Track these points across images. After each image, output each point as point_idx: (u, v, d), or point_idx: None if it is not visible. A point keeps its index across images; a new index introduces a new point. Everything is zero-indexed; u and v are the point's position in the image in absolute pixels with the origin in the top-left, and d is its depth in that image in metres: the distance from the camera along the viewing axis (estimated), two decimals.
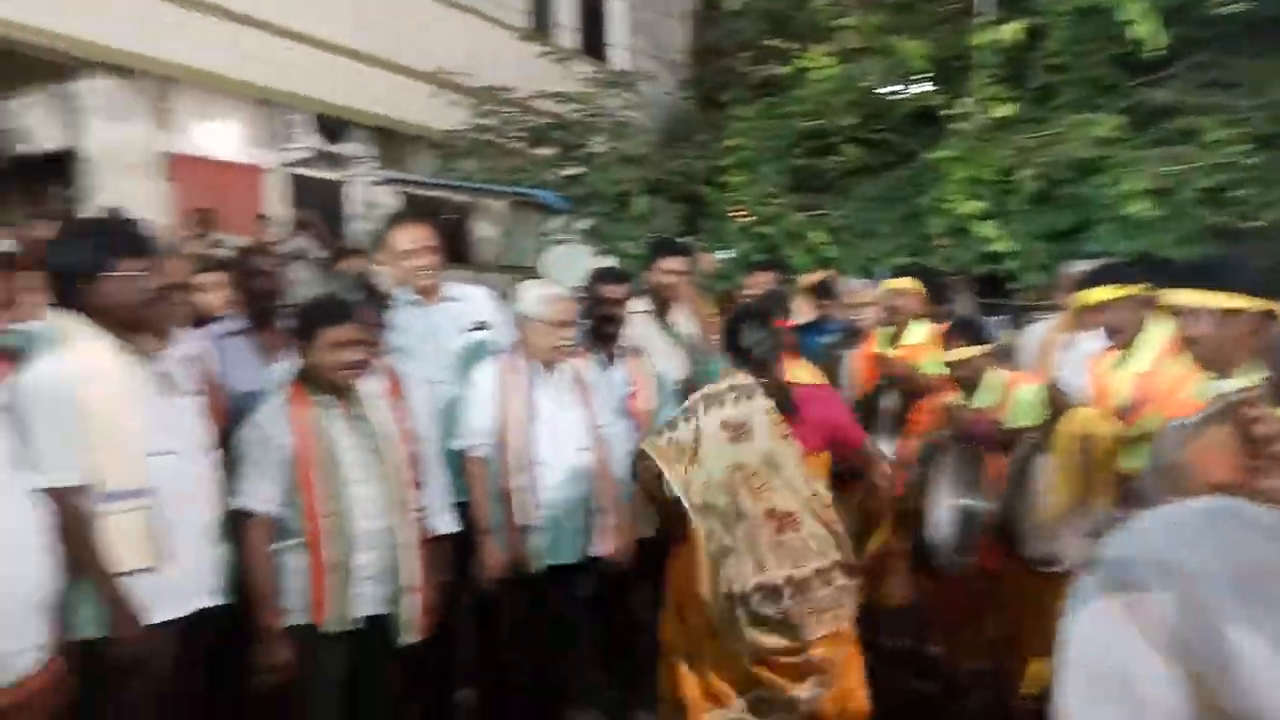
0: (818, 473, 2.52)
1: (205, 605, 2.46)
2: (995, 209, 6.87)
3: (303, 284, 5.04)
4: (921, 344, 4.01)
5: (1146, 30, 6.25)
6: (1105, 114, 6.71)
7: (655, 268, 3.96)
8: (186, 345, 2.74)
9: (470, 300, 3.53)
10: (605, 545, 3.15)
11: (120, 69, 8.82)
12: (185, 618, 2.41)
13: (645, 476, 2.67)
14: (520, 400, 3.09)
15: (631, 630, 3.42)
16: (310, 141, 10.31)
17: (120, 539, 2.27)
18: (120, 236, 2.48)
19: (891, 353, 4.04)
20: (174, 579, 2.36)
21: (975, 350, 3.30)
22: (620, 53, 14.05)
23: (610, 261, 7.82)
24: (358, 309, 2.74)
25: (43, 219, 6.58)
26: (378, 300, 3.01)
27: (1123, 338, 3.09)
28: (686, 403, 2.73)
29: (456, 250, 9.63)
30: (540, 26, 12.87)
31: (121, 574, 2.27)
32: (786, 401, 2.61)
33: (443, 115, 10.33)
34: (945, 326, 3.68)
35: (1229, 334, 2.14)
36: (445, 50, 10.61)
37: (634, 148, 9.76)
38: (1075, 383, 3.33)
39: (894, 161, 7.87)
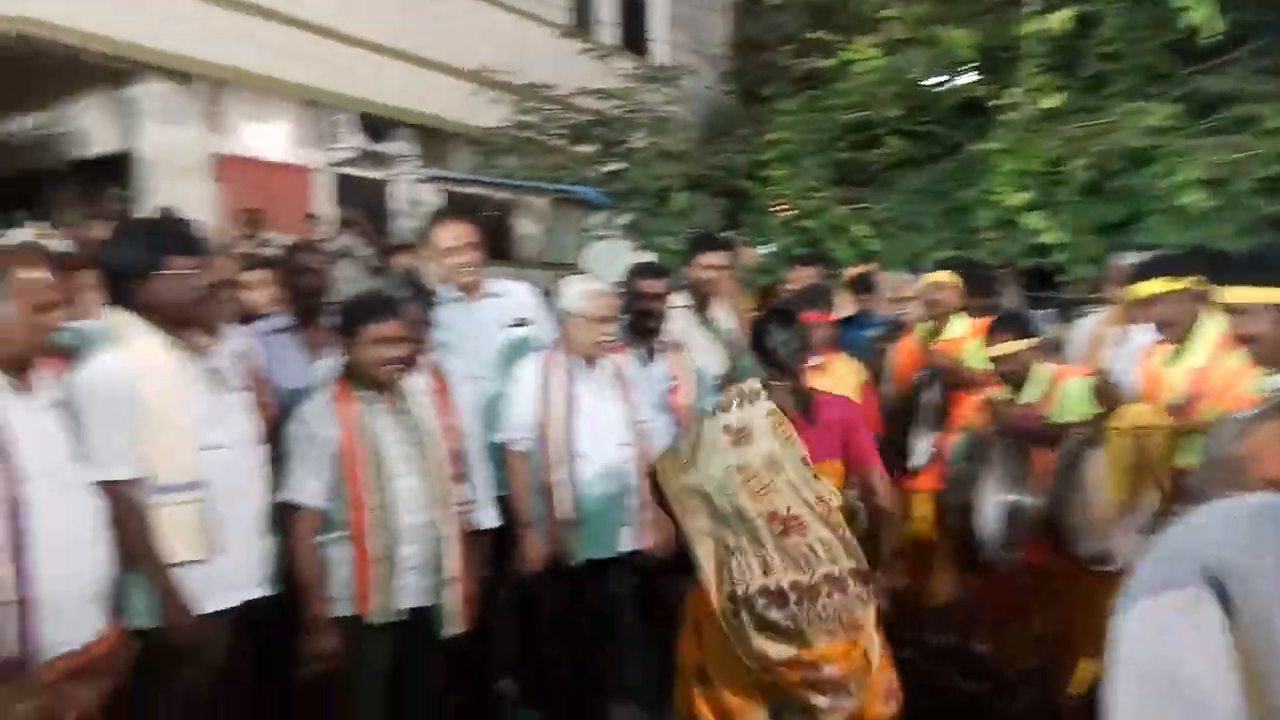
0: (829, 477, 2.47)
1: (254, 596, 2.52)
2: (1043, 200, 6.73)
3: (348, 281, 5.12)
4: (962, 338, 3.97)
5: (1202, 16, 6.07)
6: (1158, 102, 6.54)
7: (695, 263, 3.95)
8: (234, 342, 2.80)
9: (512, 296, 3.56)
10: (645, 539, 3.16)
11: (174, 73, 9.03)
12: (235, 608, 2.46)
13: (654, 493, 2.68)
14: (561, 395, 3.11)
15: (670, 624, 3.42)
16: (355, 141, 10.46)
17: (173, 531, 2.33)
18: (171, 236, 2.55)
19: (934, 346, 3.99)
20: (224, 570, 2.41)
21: (1021, 344, 3.24)
22: (661, 47, 14.03)
23: (650, 257, 7.83)
24: (402, 305, 2.77)
25: (99, 220, 6.77)
26: (423, 297, 3.04)
27: (1175, 332, 3.03)
28: (690, 419, 2.75)
29: (499, 247, 9.72)
30: (581, 23, 12.91)
31: (174, 565, 2.33)
32: (805, 404, 2.59)
33: (484, 113, 10.42)
34: (986, 320, 3.63)
35: None
36: (487, 48, 10.69)
37: (675, 143, 9.74)
38: (1126, 377, 3.27)
39: (939, 154, 7.74)
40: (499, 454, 3.16)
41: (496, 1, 11.40)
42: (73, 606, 2.03)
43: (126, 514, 2.26)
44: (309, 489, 2.57)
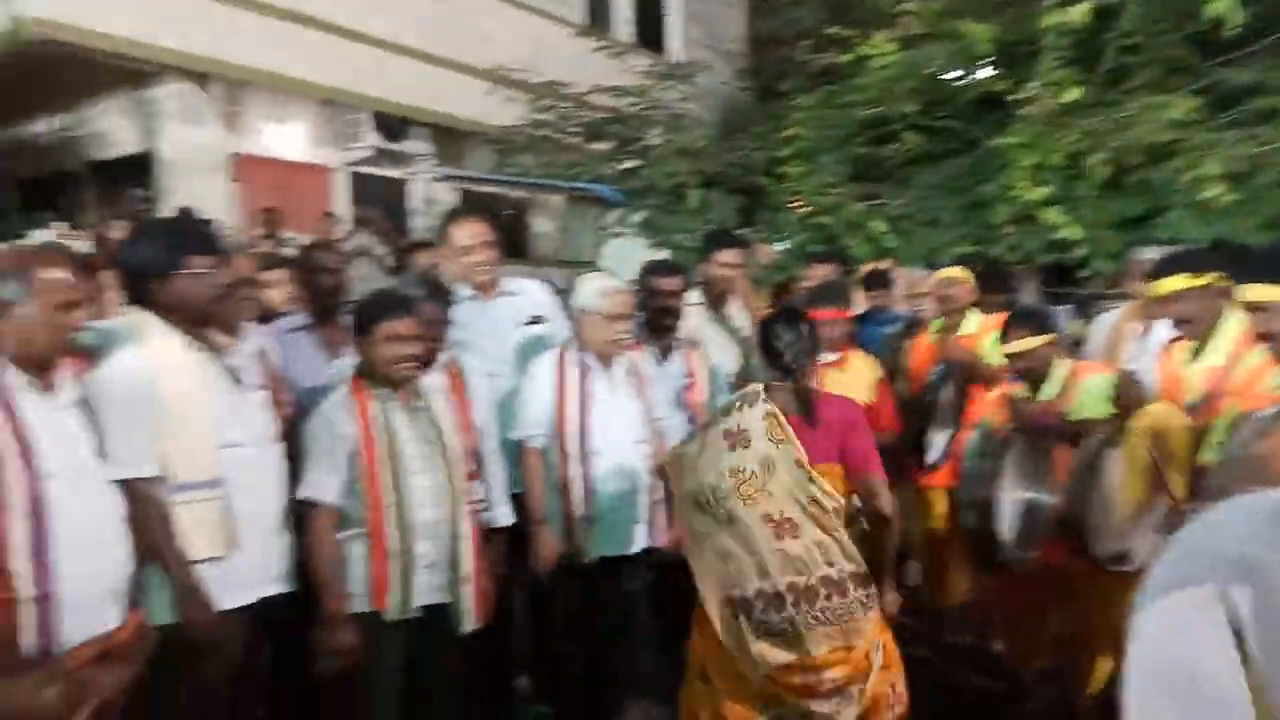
0: (830, 480, 2.42)
1: (272, 593, 2.54)
2: (1062, 196, 6.66)
3: (364, 280, 5.15)
4: (975, 334, 3.95)
5: (1223, 8, 5.99)
6: (1179, 96, 6.47)
7: (711, 260, 3.95)
8: (253, 340, 2.82)
9: (527, 294, 3.57)
10: (659, 536, 3.16)
11: (193, 74, 9.10)
12: (253, 605, 2.49)
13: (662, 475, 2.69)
14: (576, 392, 3.12)
15: (684, 621, 3.42)
16: (372, 140, 10.51)
17: (192, 528, 2.36)
18: (190, 236, 2.57)
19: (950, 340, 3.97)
20: (242, 567, 2.44)
21: (1037, 340, 3.20)
22: (677, 44, 14.01)
23: (665, 254, 7.83)
24: (417, 304, 2.78)
25: (119, 220, 6.84)
26: (440, 296, 3.05)
27: (1195, 329, 2.99)
28: (701, 422, 2.73)
29: (514, 245, 9.74)
30: (597, 21, 12.90)
31: (193, 562, 2.35)
32: (806, 405, 2.53)
33: (500, 112, 10.44)
34: (1000, 316, 3.61)
35: None
36: (503, 47, 10.71)
37: (690, 140, 9.72)
38: (1146, 375, 3.23)
39: (956, 149, 7.69)
40: (515, 451, 3.16)
41: (512, 0, 11.42)
42: (93, 603, 2.05)
43: (147, 511, 2.28)
44: (326, 486, 2.59)
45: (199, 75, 9.13)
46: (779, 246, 7.83)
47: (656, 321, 3.56)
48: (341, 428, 2.59)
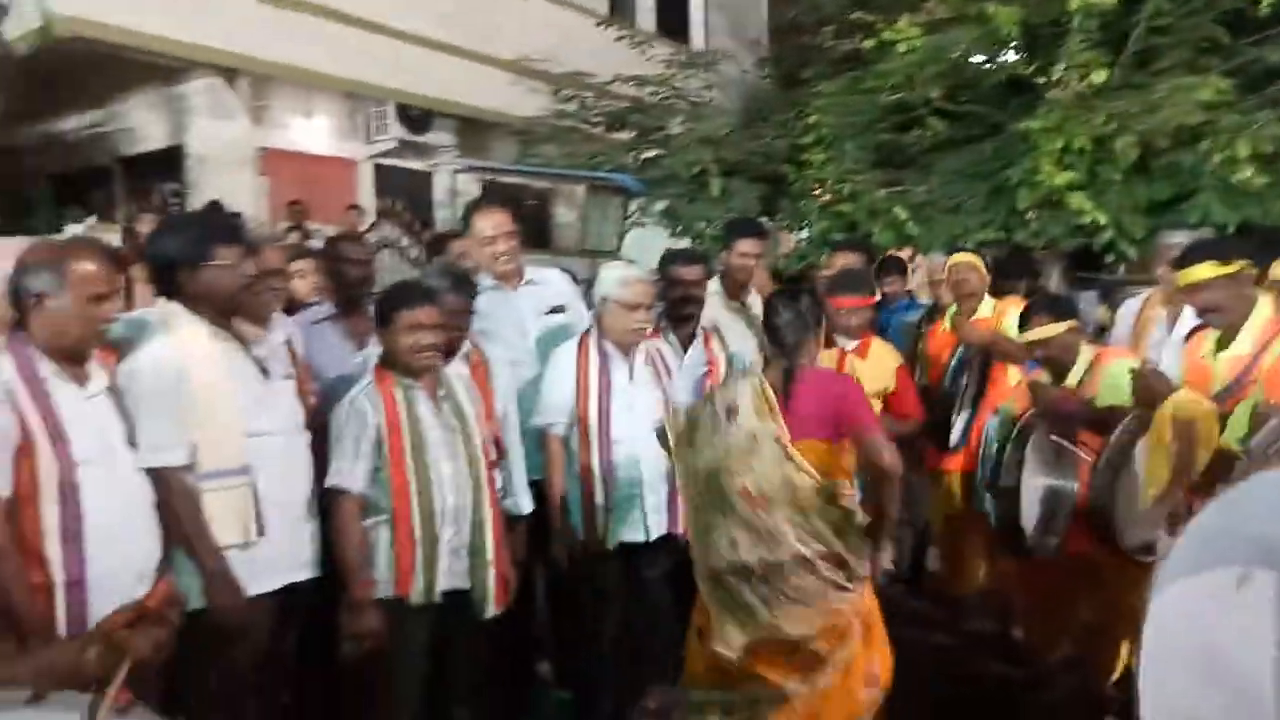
0: (815, 458, 2.42)
1: (299, 579, 2.59)
2: (1088, 180, 6.57)
3: (390, 271, 5.20)
4: (989, 319, 3.93)
5: None
6: (1210, 76, 6.35)
7: (731, 250, 3.95)
8: (280, 331, 2.86)
9: (549, 284, 3.59)
10: (678, 523, 3.18)
11: (221, 69, 9.20)
12: (279, 591, 2.53)
13: (663, 444, 2.69)
14: (597, 380, 3.14)
15: None
16: (396, 132, 10.58)
17: (220, 515, 2.40)
18: (217, 228, 2.62)
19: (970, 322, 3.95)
20: (269, 554, 2.48)
21: (1060, 327, 3.16)
22: (699, 33, 13.96)
23: (686, 244, 7.81)
24: (439, 293, 2.81)
25: (149, 214, 6.94)
26: (464, 285, 3.08)
27: (1222, 318, 2.94)
28: (712, 386, 2.74)
29: (537, 235, 9.77)
30: (619, 10, 12.88)
31: (222, 548, 2.40)
32: (792, 381, 2.53)
33: (523, 102, 10.47)
34: (1010, 300, 3.58)
35: None
36: (526, 38, 10.74)
37: (712, 129, 9.68)
38: (1171, 363, 3.20)
39: (980, 134, 7.60)
40: (536, 439, 3.19)
41: None
42: (123, 588, 2.10)
43: (176, 498, 2.33)
44: (352, 474, 2.62)
45: (226, 71, 9.24)
46: (801, 234, 7.79)
47: (677, 310, 3.57)
48: (367, 416, 2.63)
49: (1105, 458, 2.90)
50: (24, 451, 2.05)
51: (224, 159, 9.27)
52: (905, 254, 5.52)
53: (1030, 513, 3.06)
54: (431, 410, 2.70)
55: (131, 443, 2.28)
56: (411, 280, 3.12)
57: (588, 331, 3.26)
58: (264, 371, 2.58)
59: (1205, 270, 2.89)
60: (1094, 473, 2.91)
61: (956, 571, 4.14)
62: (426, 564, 2.63)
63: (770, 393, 2.40)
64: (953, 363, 3.92)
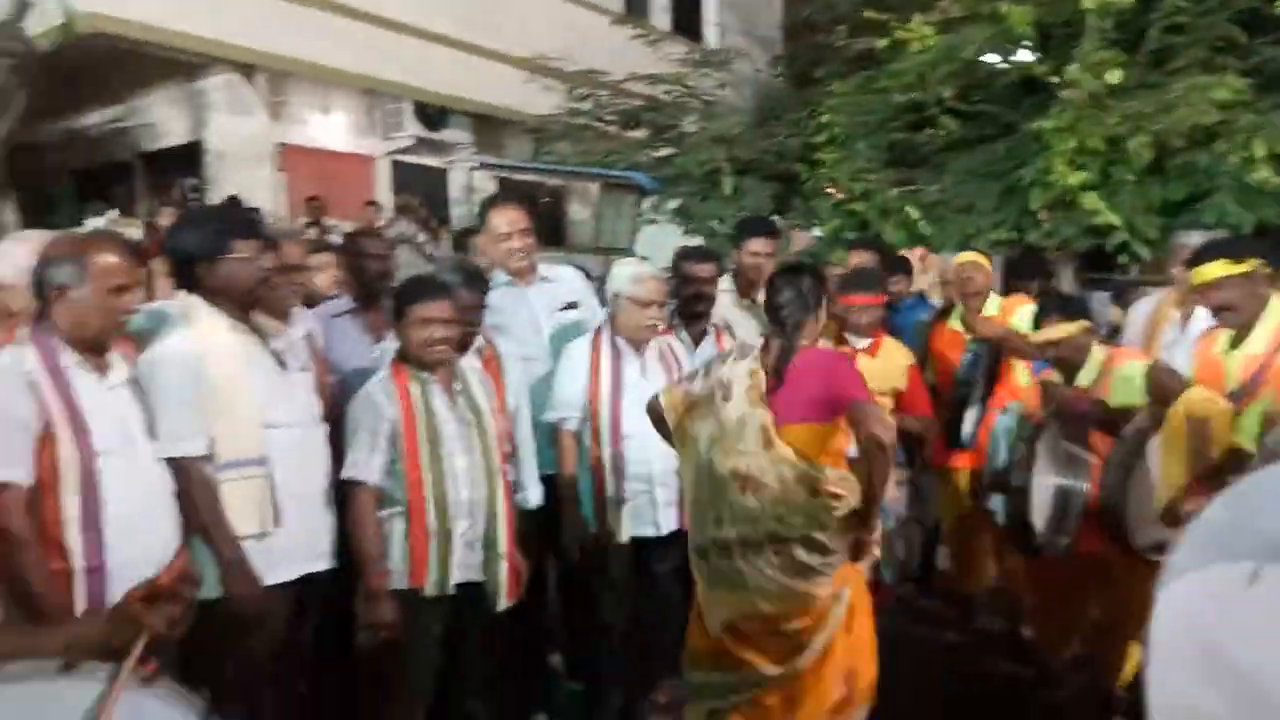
0: (804, 442, 2.43)
1: (315, 569, 2.62)
2: (1102, 180, 6.54)
3: (405, 267, 5.23)
4: (995, 318, 3.93)
5: None
6: (1226, 76, 6.30)
7: (743, 248, 3.97)
8: (300, 325, 2.90)
9: (562, 281, 3.62)
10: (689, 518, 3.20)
11: (240, 65, 9.28)
12: (296, 581, 2.56)
13: (653, 419, 2.70)
14: (609, 376, 3.17)
15: None
16: (413, 129, 10.63)
17: (237, 505, 2.44)
18: (235, 222, 2.66)
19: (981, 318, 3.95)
20: (286, 544, 2.51)
21: (1072, 327, 3.16)
22: (713, 31, 13.96)
23: (699, 241, 7.83)
24: (452, 288, 2.84)
25: (170, 209, 7.02)
26: (476, 281, 3.11)
27: (1235, 317, 2.93)
28: (708, 359, 2.75)
29: (552, 232, 9.80)
30: (633, 9, 12.90)
31: (239, 538, 2.43)
32: (779, 366, 2.50)
33: (538, 100, 10.50)
34: (1018, 298, 3.57)
35: None
36: (541, 36, 10.77)
37: (725, 127, 9.70)
38: (1184, 364, 3.19)
39: (993, 134, 7.58)
40: (549, 434, 3.22)
41: None
42: (142, 575, 2.13)
43: (195, 488, 2.37)
44: (368, 467, 2.64)
45: (245, 67, 9.31)
46: (814, 233, 7.80)
47: (689, 307, 3.59)
48: (383, 409, 2.66)
49: (1117, 456, 2.89)
50: (45, 441, 2.09)
51: (243, 154, 9.35)
52: (917, 253, 5.50)
53: (1040, 512, 3.06)
54: (447, 404, 2.73)
55: (151, 433, 2.31)
56: (425, 275, 3.15)
57: (600, 328, 3.29)
58: (281, 364, 2.61)
59: (1218, 269, 2.88)
60: (1105, 471, 2.91)
61: (966, 570, 4.14)
62: (441, 556, 2.65)
63: (762, 380, 2.43)
64: (966, 358, 3.92)
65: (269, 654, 2.54)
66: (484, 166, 10.13)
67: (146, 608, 1.28)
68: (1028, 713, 3.39)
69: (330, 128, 10.35)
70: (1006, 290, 4.10)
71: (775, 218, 7.47)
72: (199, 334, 2.45)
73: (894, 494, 3.65)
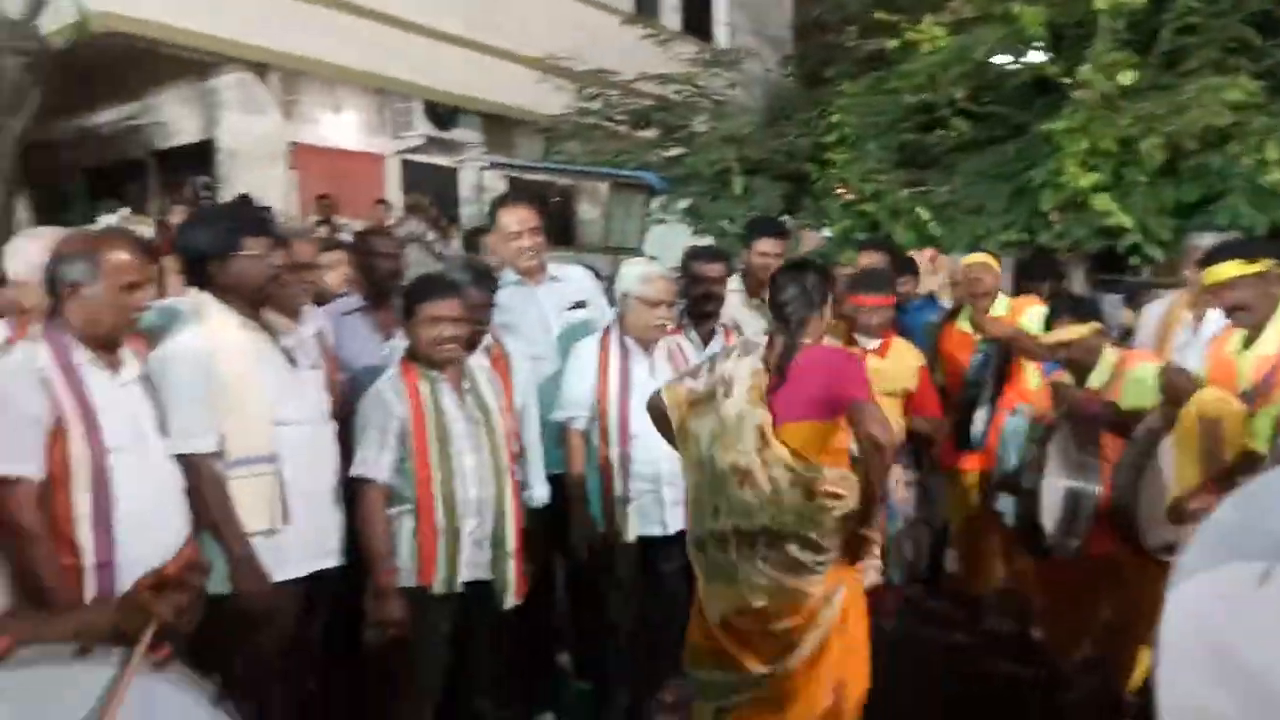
0: (805, 439, 2.42)
1: (324, 566, 2.63)
2: (1114, 182, 6.51)
3: (414, 266, 5.24)
4: (1005, 318, 3.91)
5: None
6: (1239, 77, 6.27)
7: (752, 249, 3.97)
8: (312, 323, 2.91)
9: (571, 280, 3.62)
10: None
11: (252, 64, 9.31)
12: (305, 578, 2.57)
13: (654, 416, 2.69)
14: (617, 375, 3.17)
15: None
16: (423, 129, 10.66)
17: (247, 502, 2.44)
18: (245, 220, 2.66)
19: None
20: (296, 541, 2.52)
21: (1084, 329, 3.15)
22: (723, 31, 13.95)
23: (708, 241, 7.83)
24: (460, 287, 2.84)
25: (182, 206, 7.05)
26: (485, 279, 3.11)
27: (1248, 317, 2.92)
28: (711, 355, 2.74)
29: (561, 232, 9.81)
30: (644, 8, 12.91)
31: (248, 534, 2.44)
32: (781, 363, 2.47)
33: (548, 100, 10.51)
34: (1026, 299, 3.55)
35: None
36: (551, 36, 10.78)
37: (735, 127, 9.69)
38: (1196, 365, 3.18)
39: (1003, 135, 7.56)
40: (557, 433, 3.23)
41: None
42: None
43: (205, 485, 2.37)
44: (377, 464, 2.65)
45: (258, 66, 9.35)
46: (824, 233, 7.79)
47: (698, 307, 3.59)
48: (392, 407, 2.66)
49: (1128, 457, 2.88)
50: (57, 437, 2.10)
51: (254, 153, 9.38)
52: (927, 254, 5.48)
53: (1050, 513, 3.05)
54: (455, 402, 2.73)
55: (162, 429, 2.32)
56: (434, 273, 3.16)
57: (609, 327, 3.29)
58: (291, 361, 2.62)
59: (1231, 269, 2.88)
60: (1116, 472, 2.90)
61: (974, 571, 4.13)
62: (449, 554, 2.66)
63: (763, 380, 2.43)
64: (976, 359, 3.91)
65: (278, 651, 2.55)
66: (494, 166, 10.14)
67: (155, 597, 1.30)
68: (1035, 715, 3.38)
69: (341, 127, 10.38)
70: (1018, 292, 4.08)
71: (785, 218, 7.48)
72: (210, 331, 2.46)
73: (903, 495, 3.65)
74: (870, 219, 7.78)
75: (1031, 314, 3.76)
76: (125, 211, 7.29)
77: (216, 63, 9.23)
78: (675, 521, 3.16)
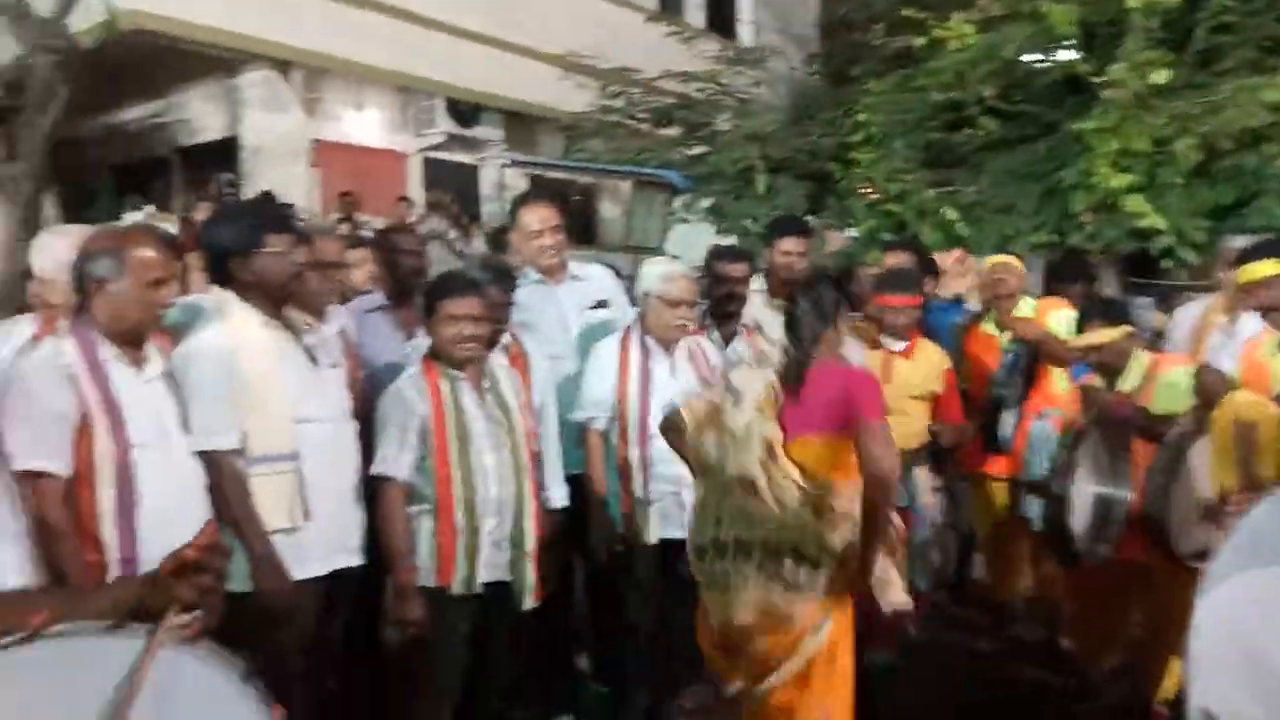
0: (817, 454, 2.40)
1: (345, 565, 2.62)
2: (1147, 183, 6.41)
3: (436, 263, 5.25)
4: (1032, 319, 3.86)
5: None
6: (1276, 77, 6.15)
7: (774, 248, 3.93)
8: (335, 322, 2.90)
9: (592, 279, 3.60)
10: None
11: (276, 62, 9.38)
12: (325, 576, 2.56)
13: (665, 428, 2.67)
14: (638, 375, 3.14)
15: None
16: (445, 126, 10.69)
17: (268, 500, 2.44)
18: (268, 217, 2.66)
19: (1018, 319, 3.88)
20: (317, 539, 2.52)
21: (1115, 332, 3.10)
22: (747, 29, 13.91)
23: (731, 240, 7.79)
24: (480, 285, 2.83)
25: (206, 203, 7.10)
26: (504, 278, 3.10)
27: None
28: (728, 367, 2.72)
29: (583, 230, 9.82)
30: (668, 6, 12.89)
31: (269, 532, 2.44)
32: (799, 375, 2.45)
33: (571, 97, 10.52)
34: (1052, 300, 3.49)
35: None
36: (574, 34, 10.78)
37: (759, 125, 9.64)
38: (1230, 368, 3.12)
39: (1033, 135, 7.46)
40: (577, 433, 3.21)
41: None
42: None
43: (227, 482, 2.37)
44: (398, 463, 2.64)
45: (282, 64, 9.41)
46: (849, 233, 7.73)
47: (720, 307, 3.56)
48: (413, 406, 2.65)
49: (1160, 462, 2.83)
50: (83, 432, 2.11)
51: (278, 150, 9.45)
52: (955, 255, 5.42)
53: (1080, 519, 3.00)
54: (476, 401, 2.72)
55: (185, 426, 2.32)
56: (455, 272, 3.15)
57: (630, 327, 3.26)
58: (313, 359, 2.61)
59: (1266, 268, 2.85)
60: (1148, 477, 2.85)
61: (1001, 577, 4.08)
62: (468, 554, 2.65)
63: (775, 394, 2.41)
64: (1006, 359, 3.86)
65: (298, 649, 2.54)
66: (516, 164, 10.16)
67: (176, 579, 1.31)
68: None
69: (364, 124, 10.44)
70: (1048, 294, 4.02)
71: (809, 217, 7.41)
72: (232, 329, 2.46)
73: (930, 501, 3.60)
74: (896, 219, 7.71)
75: (1058, 317, 3.70)
76: (150, 208, 7.34)
77: (241, 60, 9.30)
78: None
